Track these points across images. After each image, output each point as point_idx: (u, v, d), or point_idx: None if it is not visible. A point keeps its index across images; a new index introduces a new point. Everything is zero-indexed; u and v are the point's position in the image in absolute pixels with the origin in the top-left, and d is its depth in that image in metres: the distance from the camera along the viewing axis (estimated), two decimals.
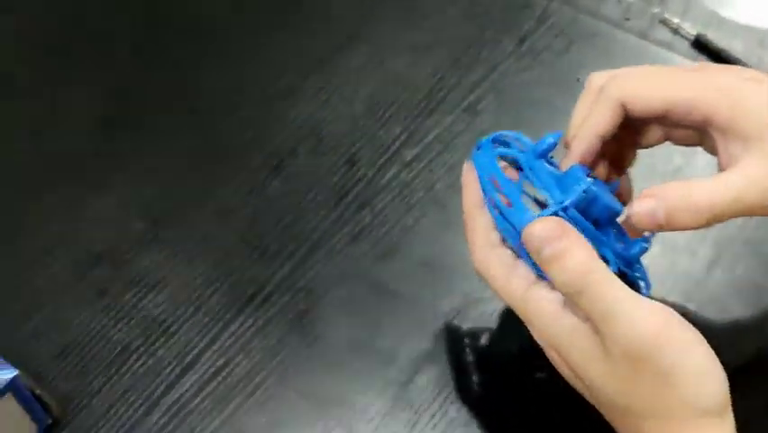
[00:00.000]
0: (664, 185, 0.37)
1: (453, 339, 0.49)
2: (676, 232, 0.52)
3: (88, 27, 0.63)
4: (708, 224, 0.37)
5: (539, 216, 0.37)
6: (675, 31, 0.63)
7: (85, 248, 0.53)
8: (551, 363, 0.38)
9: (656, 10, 0.64)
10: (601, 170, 0.42)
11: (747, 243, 0.52)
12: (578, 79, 0.58)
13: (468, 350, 0.49)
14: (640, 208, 0.37)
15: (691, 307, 0.50)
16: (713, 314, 0.50)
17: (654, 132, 0.43)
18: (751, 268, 0.51)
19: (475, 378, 0.48)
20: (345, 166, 0.56)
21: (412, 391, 0.47)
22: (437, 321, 0.50)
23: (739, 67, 0.40)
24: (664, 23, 0.63)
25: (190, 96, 0.60)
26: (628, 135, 0.43)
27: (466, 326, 0.49)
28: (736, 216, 0.37)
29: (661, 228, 0.37)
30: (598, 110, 0.40)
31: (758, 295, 0.51)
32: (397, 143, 0.57)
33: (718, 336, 0.48)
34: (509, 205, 0.38)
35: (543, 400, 0.47)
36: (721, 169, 0.39)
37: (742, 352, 0.49)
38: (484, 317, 0.50)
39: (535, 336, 0.38)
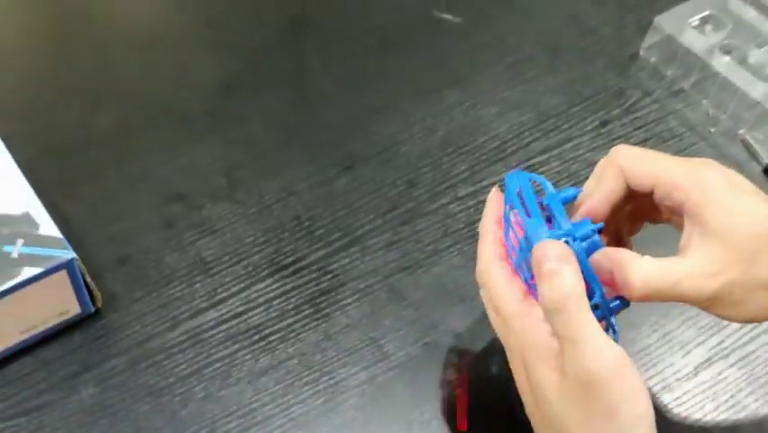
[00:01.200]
0: (620, 250, 0.42)
1: (443, 355, 0.54)
2: (680, 327, 0.56)
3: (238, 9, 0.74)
4: (642, 300, 0.41)
5: (552, 233, 0.42)
6: (753, 155, 0.66)
7: (170, 186, 0.62)
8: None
9: (741, 131, 0.67)
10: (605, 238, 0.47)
11: (743, 359, 0.55)
12: None
13: (452, 370, 0.54)
14: (596, 255, 0.42)
15: (665, 400, 0.53)
16: (683, 413, 0.53)
17: (659, 212, 0.46)
18: (735, 383, 0.54)
19: (447, 394, 0.53)
20: (405, 184, 0.63)
21: (388, 388, 0.53)
22: (435, 335, 0.55)
23: (733, 171, 0.44)
24: (744, 144, 0.67)
25: (302, 86, 0.69)
26: (638, 210, 0.47)
27: (460, 346, 0.55)
28: (670, 300, 0.41)
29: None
30: (605, 173, 0.45)
31: (734, 407, 0.53)
32: (457, 179, 0.63)
33: None
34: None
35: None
36: (678, 251, 0.42)
37: None
38: (477, 345, 0.55)
39: (511, 345, 0.42)
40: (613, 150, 0.46)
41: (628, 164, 0.45)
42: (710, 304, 0.41)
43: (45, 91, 0.68)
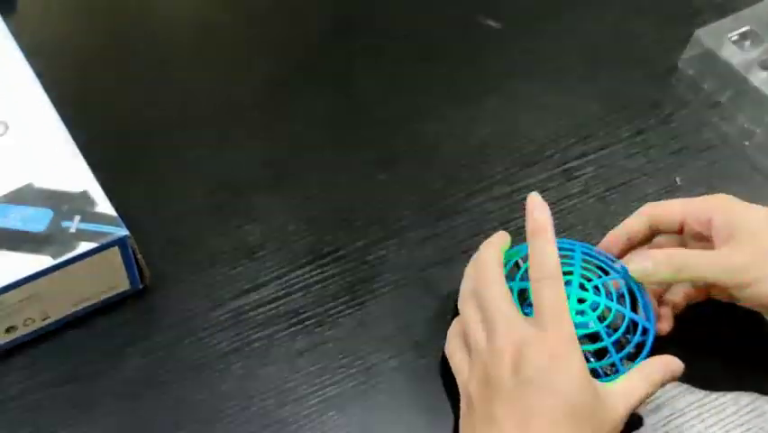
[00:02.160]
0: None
1: None
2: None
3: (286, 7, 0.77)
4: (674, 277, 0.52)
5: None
6: None
7: (219, 174, 0.65)
8: None
9: None
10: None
11: None
12: (675, 180, 0.65)
13: None
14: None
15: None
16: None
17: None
18: None
19: None
20: (443, 181, 0.65)
21: (418, 375, 0.55)
22: None
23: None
24: None
25: (348, 86, 0.71)
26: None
27: None
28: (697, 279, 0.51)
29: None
30: (630, 218, 0.56)
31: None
32: (493, 180, 0.65)
33: None
34: None
35: None
36: None
37: None
38: None
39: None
40: (645, 205, 0.56)
41: (659, 209, 0.55)
42: (738, 283, 0.50)
43: (106, 81, 0.71)
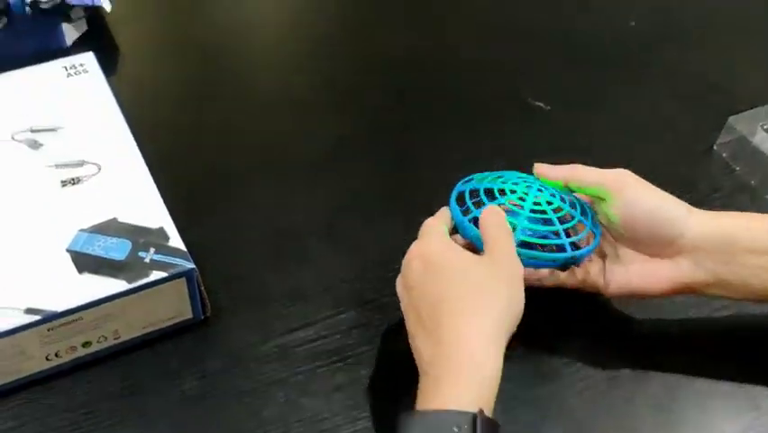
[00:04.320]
0: None
1: None
2: None
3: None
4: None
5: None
6: None
7: (281, 222, 0.72)
8: None
9: None
10: None
11: None
12: None
13: None
14: None
15: None
16: None
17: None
18: None
19: None
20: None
21: None
22: None
23: None
24: None
25: (402, 151, 0.78)
26: None
27: None
28: None
29: None
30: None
31: None
32: None
33: None
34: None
35: None
36: None
37: None
38: None
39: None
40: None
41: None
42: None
43: (189, 131, 0.80)
